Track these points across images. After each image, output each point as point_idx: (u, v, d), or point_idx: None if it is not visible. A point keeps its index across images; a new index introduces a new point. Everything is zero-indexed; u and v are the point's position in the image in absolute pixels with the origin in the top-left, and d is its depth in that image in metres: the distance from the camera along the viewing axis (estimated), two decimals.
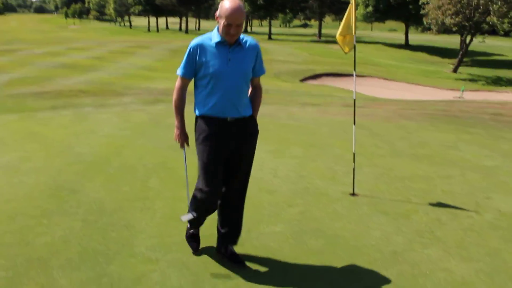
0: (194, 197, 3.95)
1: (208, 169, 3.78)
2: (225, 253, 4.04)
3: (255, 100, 3.99)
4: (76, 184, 5.71)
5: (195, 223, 4.18)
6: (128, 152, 7.12)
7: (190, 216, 3.97)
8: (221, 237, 4.08)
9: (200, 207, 3.93)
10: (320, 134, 9.01)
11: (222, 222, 4.08)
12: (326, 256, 4.18)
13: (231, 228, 4.05)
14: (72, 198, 5.28)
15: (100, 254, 4.09)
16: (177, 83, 3.89)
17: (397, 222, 4.92)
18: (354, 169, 5.70)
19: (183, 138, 3.98)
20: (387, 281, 3.82)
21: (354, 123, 5.75)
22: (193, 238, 4.26)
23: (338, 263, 4.08)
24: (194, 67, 3.77)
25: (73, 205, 5.08)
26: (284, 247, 4.31)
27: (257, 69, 3.90)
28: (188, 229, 4.30)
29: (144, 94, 14.36)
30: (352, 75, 5.89)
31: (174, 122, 3.95)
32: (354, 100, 5.76)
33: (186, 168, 4.14)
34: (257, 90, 4.02)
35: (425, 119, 11.06)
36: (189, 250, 4.17)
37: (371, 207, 5.27)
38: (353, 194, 5.61)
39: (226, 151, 3.81)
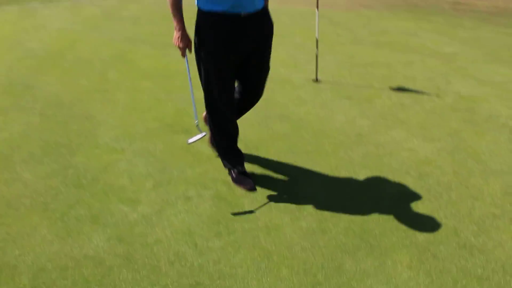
0: (215, 126, 3.40)
1: (223, 86, 3.23)
2: None
3: None
4: (30, 79, 5.47)
5: (231, 153, 3.53)
6: (82, 46, 6.81)
7: (198, 137, 3.36)
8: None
9: (227, 134, 3.44)
10: (280, 23, 8.78)
11: None
12: (292, 139, 4.20)
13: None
14: (27, 93, 5.08)
15: (63, 146, 3.99)
16: None
17: (361, 106, 4.95)
18: (317, 55, 5.62)
19: (186, 41, 3.18)
20: (353, 161, 3.89)
21: (317, 8, 5.59)
22: (242, 177, 3.50)
23: (304, 145, 4.11)
24: None
25: (29, 100, 4.89)
26: (250, 132, 4.29)
27: None
28: (232, 173, 3.53)
29: None
30: None
31: (173, 23, 3.18)
32: None
33: (190, 79, 3.37)
34: None
35: (386, 8, 10.93)
36: (155, 139, 4.11)
37: (335, 93, 5.26)
38: (316, 80, 5.57)
39: (240, 57, 3.19)
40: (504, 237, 3.10)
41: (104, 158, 3.81)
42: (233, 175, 3.53)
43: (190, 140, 3.39)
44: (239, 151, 3.56)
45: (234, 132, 3.49)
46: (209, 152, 3.92)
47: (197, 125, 3.43)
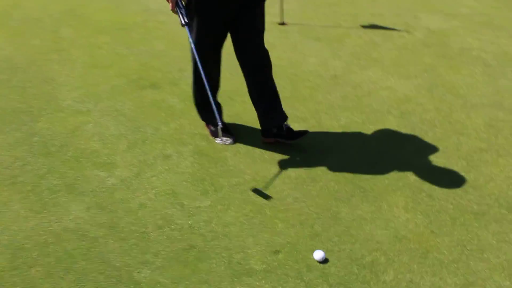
0: (196, 77, 3.14)
1: (212, 39, 3.02)
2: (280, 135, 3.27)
3: None
4: None
5: (209, 106, 3.03)
6: (28, 3, 6.34)
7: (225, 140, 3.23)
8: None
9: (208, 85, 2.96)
10: None
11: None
12: None
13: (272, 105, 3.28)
14: None
15: (23, 113, 3.69)
16: None
17: (332, 47, 4.79)
18: None
19: None
20: (332, 104, 3.75)
21: None
22: (220, 130, 3.14)
23: (280, 91, 3.89)
24: None
25: None
26: (223, 83, 4.06)
27: None
28: (211, 129, 3.36)
29: None
30: None
31: None
32: None
33: (203, 70, 2.92)
34: None
35: None
36: (122, 97, 3.86)
37: (303, 35, 5.07)
38: (283, 23, 5.35)
39: (230, 17, 2.96)
40: (494, 171, 3.06)
41: (70, 121, 3.55)
42: (211, 128, 3.35)
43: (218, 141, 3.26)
44: (217, 103, 3.35)
45: (214, 84, 3.29)
46: (182, 106, 3.72)
47: (220, 128, 2.89)
